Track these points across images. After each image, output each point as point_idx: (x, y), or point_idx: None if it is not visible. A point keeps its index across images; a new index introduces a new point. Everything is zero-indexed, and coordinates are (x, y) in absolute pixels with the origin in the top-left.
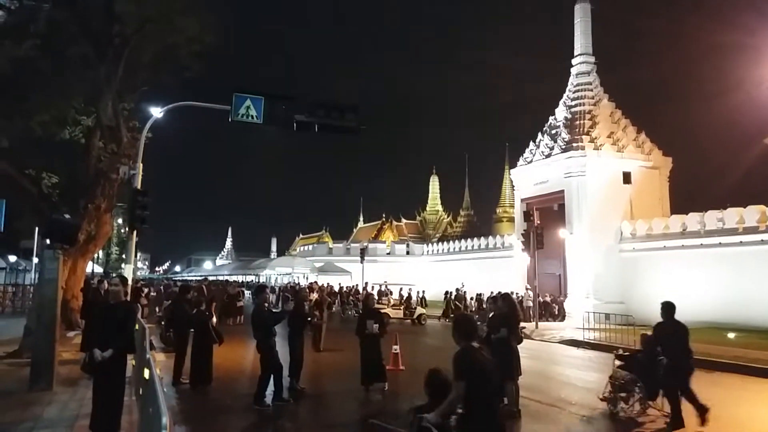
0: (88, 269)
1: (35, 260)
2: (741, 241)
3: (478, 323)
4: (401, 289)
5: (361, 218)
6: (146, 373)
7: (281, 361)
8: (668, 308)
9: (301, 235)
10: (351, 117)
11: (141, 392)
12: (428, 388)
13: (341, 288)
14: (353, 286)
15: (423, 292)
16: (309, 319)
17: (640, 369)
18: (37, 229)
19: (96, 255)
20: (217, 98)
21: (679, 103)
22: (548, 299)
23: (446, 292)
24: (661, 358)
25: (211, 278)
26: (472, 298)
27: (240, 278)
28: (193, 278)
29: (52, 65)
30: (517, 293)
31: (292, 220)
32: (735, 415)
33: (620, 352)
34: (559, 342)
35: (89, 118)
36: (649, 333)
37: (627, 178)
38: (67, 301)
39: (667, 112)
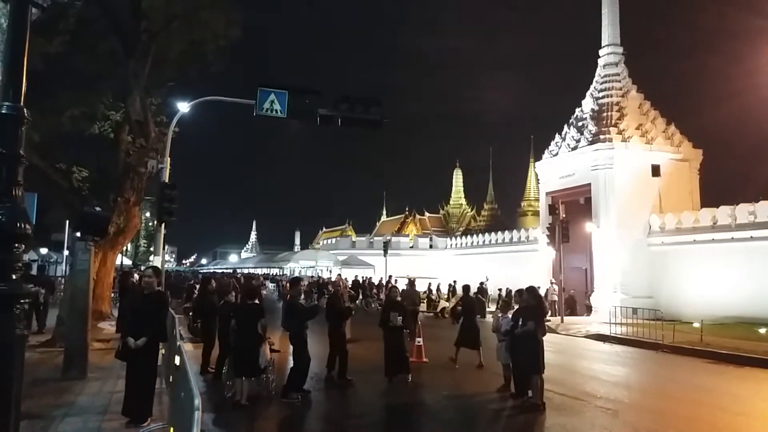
0: (117, 262)
1: (66, 253)
2: None
3: (499, 315)
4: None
5: (384, 212)
6: (177, 360)
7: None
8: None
9: (324, 229)
10: (374, 110)
11: (171, 380)
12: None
13: (364, 281)
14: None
15: (455, 282)
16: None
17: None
18: (67, 222)
19: (125, 248)
20: (241, 89)
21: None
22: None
23: (429, 285)
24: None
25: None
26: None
27: (264, 270)
28: (221, 270)
29: (82, 61)
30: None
31: (315, 213)
32: (765, 410)
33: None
34: (585, 336)
35: (118, 113)
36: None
37: (656, 170)
38: (97, 292)
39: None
